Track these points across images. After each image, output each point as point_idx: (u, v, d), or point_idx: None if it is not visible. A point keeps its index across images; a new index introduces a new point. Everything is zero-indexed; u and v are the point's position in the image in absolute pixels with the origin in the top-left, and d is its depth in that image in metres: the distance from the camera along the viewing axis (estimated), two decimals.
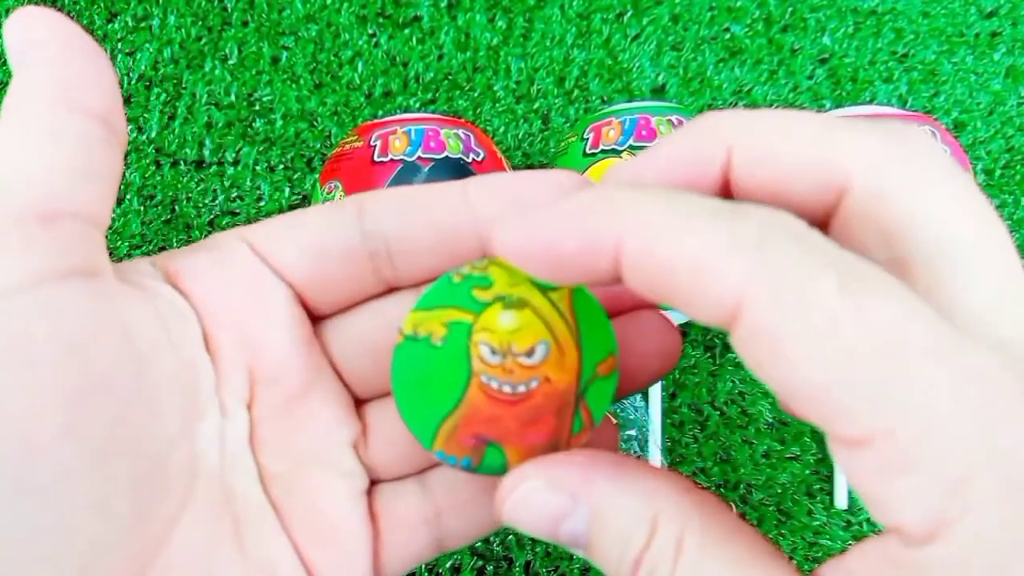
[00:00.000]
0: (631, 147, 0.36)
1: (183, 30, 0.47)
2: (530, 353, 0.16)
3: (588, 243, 0.13)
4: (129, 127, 0.46)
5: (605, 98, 0.47)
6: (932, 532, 0.11)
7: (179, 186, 0.45)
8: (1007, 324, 0.13)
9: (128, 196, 0.45)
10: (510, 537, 0.40)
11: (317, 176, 0.40)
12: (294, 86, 0.46)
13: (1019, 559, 0.11)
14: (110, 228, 0.45)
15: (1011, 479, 0.11)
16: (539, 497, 0.15)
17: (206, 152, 0.46)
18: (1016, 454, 0.11)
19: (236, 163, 0.46)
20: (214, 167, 0.46)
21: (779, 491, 0.41)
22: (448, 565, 0.40)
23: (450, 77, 0.47)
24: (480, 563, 0.40)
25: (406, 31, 0.47)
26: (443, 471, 0.19)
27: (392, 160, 0.36)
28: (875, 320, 0.11)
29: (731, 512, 0.14)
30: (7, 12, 0.47)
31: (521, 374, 0.16)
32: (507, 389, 0.16)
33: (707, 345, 0.43)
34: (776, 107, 0.46)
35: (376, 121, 0.38)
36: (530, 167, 0.46)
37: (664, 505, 0.14)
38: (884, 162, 0.13)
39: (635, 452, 0.41)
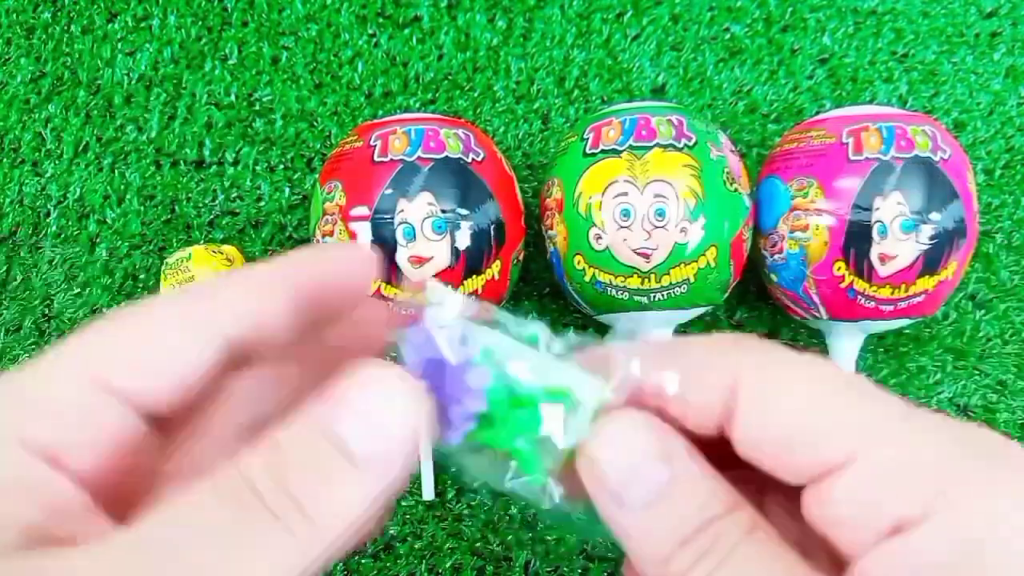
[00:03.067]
0: (631, 147, 0.36)
1: (183, 30, 0.47)
2: None
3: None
4: (129, 127, 0.46)
5: (605, 98, 0.47)
6: (925, 515, 0.13)
7: (179, 186, 0.45)
8: None
9: (128, 196, 0.45)
10: (510, 537, 0.40)
11: (317, 176, 0.40)
12: (294, 86, 0.46)
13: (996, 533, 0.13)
14: (110, 228, 0.45)
15: (974, 458, 0.14)
16: (636, 448, 0.16)
17: (206, 152, 0.46)
18: (981, 448, 0.14)
19: (236, 163, 0.46)
20: (214, 167, 0.46)
21: None
22: (448, 565, 0.40)
23: (450, 77, 0.47)
24: (480, 563, 0.40)
25: (406, 31, 0.47)
26: None
27: (392, 160, 0.36)
28: (829, 376, 0.15)
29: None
30: (6, 12, 0.47)
31: None
32: None
33: None
34: (776, 107, 0.46)
35: (376, 121, 0.38)
36: (530, 167, 0.46)
37: (743, 500, 0.16)
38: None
39: None
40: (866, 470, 0.14)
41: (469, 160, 0.37)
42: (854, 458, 0.14)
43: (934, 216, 0.35)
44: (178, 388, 0.16)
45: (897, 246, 0.35)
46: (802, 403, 0.15)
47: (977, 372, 0.42)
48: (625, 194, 0.35)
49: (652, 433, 0.16)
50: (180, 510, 0.14)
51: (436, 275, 0.36)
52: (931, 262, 0.35)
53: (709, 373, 0.16)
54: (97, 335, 0.15)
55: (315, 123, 0.46)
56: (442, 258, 0.35)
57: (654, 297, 0.36)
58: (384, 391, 0.15)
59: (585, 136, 0.37)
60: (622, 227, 0.35)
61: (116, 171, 0.46)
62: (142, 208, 0.45)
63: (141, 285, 0.44)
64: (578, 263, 0.37)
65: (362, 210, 0.35)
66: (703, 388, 0.16)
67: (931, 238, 0.35)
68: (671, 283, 0.36)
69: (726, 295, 0.39)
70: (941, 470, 0.13)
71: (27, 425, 0.14)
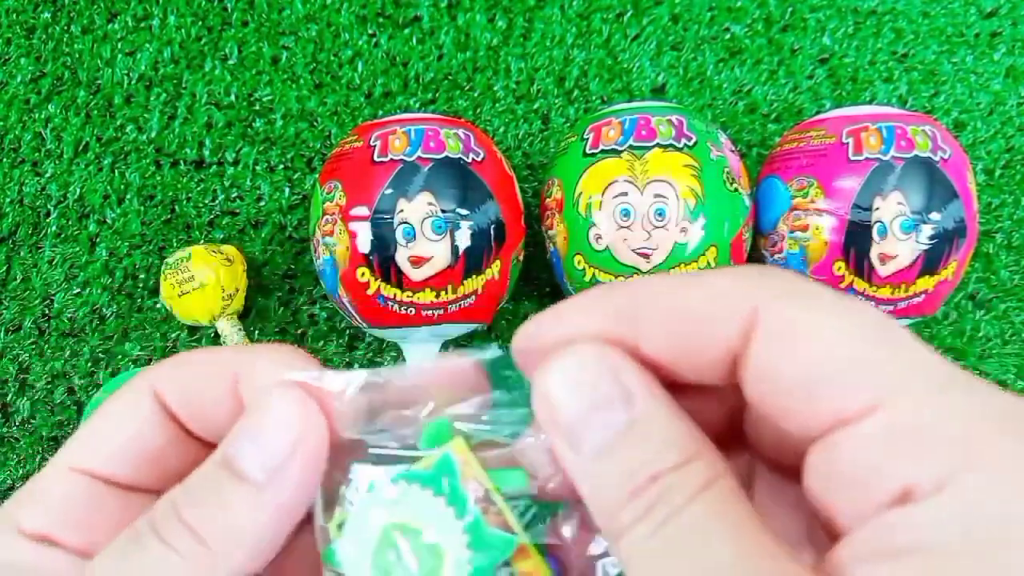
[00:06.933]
0: (631, 147, 0.36)
1: (183, 30, 0.47)
2: None
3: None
4: (129, 127, 0.46)
5: (605, 98, 0.47)
6: (938, 486, 0.11)
7: (179, 186, 0.45)
8: None
9: (128, 196, 0.45)
10: None
11: (317, 176, 0.40)
12: (294, 86, 0.46)
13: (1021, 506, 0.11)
14: (110, 228, 0.45)
15: (1013, 434, 0.12)
16: (596, 379, 0.14)
17: (206, 152, 0.46)
18: (1013, 415, 0.12)
19: (236, 163, 0.46)
20: (214, 167, 0.46)
21: None
22: None
23: (450, 77, 0.47)
24: None
25: (406, 31, 0.47)
26: None
27: (392, 160, 0.36)
28: (862, 318, 0.13)
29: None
30: (6, 12, 0.47)
31: None
32: None
33: None
34: (776, 107, 0.46)
35: (376, 121, 0.38)
36: (530, 167, 0.46)
37: (708, 450, 0.14)
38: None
39: None
40: (881, 424, 0.12)
41: (469, 160, 0.37)
42: (874, 411, 0.12)
43: (934, 216, 0.35)
44: (132, 460, 0.17)
45: (897, 246, 0.35)
46: (828, 340, 0.13)
47: (977, 372, 0.42)
48: (625, 194, 0.35)
49: (610, 370, 0.14)
50: (115, 549, 0.15)
51: (433, 275, 0.35)
52: (931, 262, 0.35)
53: (725, 299, 0.14)
54: (83, 428, 0.17)
55: (315, 123, 0.46)
56: (442, 258, 0.35)
57: None
58: (269, 410, 0.15)
59: (585, 136, 0.37)
60: (622, 227, 0.35)
61: (116, 171, 0.46)
62: (142, 208, 0.45)
63: (141, 285, 0.44)
64: (578, 263, 0.37)
65: (362, 210, 0.35)
66: (717, 316, 0.14)
67: (931, 238, 0.35)
68: None
69: None
70: (968, 440, 0.12)
71: (21, 514, 0.16)
